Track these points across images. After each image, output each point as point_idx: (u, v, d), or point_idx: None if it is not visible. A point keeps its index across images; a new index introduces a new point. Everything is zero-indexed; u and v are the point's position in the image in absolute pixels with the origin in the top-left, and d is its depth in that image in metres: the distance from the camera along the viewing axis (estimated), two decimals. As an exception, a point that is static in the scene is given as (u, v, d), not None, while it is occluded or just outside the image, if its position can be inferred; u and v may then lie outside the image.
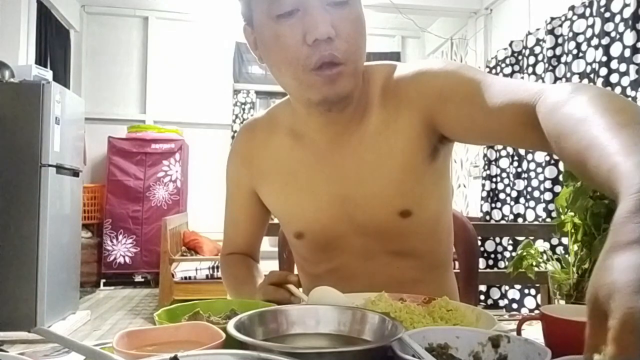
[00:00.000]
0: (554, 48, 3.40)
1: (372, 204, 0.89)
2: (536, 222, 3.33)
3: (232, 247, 1.09)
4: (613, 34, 2.85)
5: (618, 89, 2.81)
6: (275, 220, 1.12)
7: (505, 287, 3.84)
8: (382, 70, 0.91)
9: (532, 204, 3.55)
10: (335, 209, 0.92)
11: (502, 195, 3.99)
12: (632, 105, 0.51)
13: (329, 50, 0.76)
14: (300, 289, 0.80)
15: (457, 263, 1.30)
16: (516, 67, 3.95)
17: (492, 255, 4.04)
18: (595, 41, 2.98)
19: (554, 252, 0.72)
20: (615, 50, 2.83)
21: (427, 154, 0.88)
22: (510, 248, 3.86)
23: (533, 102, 0.65)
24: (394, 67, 0.91)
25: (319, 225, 0.93)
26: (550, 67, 3.40)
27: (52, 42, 4.62)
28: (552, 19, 3.42)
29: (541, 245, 0.75)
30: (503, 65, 4.01)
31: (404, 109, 0.86)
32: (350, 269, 0.94)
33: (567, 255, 0.71)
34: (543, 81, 3.47)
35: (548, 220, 3.36)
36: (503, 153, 3.97)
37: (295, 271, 1.14)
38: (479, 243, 1.21)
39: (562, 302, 0.69)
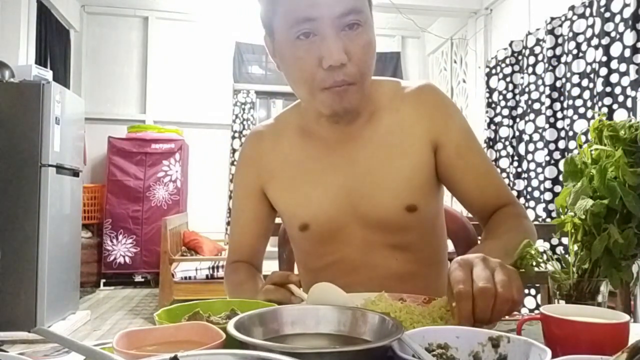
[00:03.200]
0: (554, 48, 3.40)
1: (379, 196, 0.94)
2: (536, 222, 3.33)
3: (237, 254, 1.10)
4: (613, 34, 2.85)
5: (618, 89, 2.81)
6: (276, 221, 1.13)
7: (505, 287, 3.83)
8: (389, 83, 1.02)
9: (532, 204, 3.56)
10: (341, 199, 0.96)
11: (502, 195, 3.98)
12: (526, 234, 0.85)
13: (341, 75, 0.84)
14: (301, 289, 0.80)
15: (457, 263, 1.30)
16: (516, 67, 3.94)
17: (492, 255, 4.04)
18: (595, 41, 2.98)
19: (554, 252, 0.72)
20: (615, 50, 2.83)
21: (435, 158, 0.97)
22: (510, 248, 3.85)
23: (494, 208, 0.98)
24: (399, 82, 1.03)
25: (324, 216, 0.97)
26: (550, 67, 3.40)
27: (52, 42, 4.62)
28: (552, 19, 3.42)
29: (541, 245, 0.75)
30: (503, 65, 4.01)
31: (424, 117, 0.96)
32: (351, 262, 0.98)
33: (567, 255, 0.71)
34: (543, 81, 3.48)
35: (548, 220, 3.36)
36: (503, 153, 3.97)
37: (296, 271, 1.15)
38: (479, 243, 1.21)
39: (562, 302, 0.69)
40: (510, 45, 3.95)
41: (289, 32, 0.84)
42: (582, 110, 3.12)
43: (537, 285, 3.23)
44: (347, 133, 0.97)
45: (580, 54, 3.14)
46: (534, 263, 0.69)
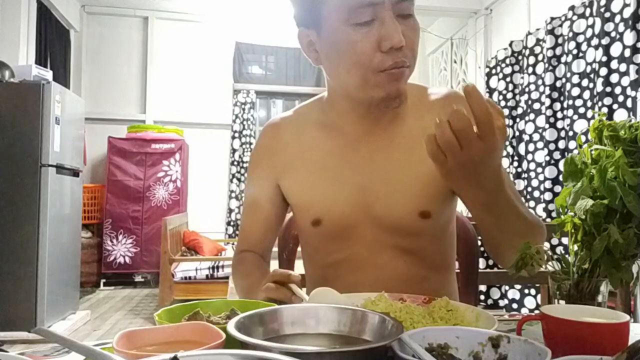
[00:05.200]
0: (554, 48, 3.40)
1: (394, 199, 0.95)
2: (536, 222, 3.32)
3: (246, 244, 1.10)
4: (613, 34, 2.85)
5: (618, 89, 2.81)
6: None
7: (505, 287, 3.84)
8: (415, 87, 1.02)
9: (532, 204, 3.55)
10: (356, 198, 0.96)
11: (502, 195, 3.98)
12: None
13: (400, 56, 0.86)
14: (304, 289, 0.80)
15: (457, 263, 1.30)
16: (516, 67, 3.95)
17: (492, 255, 4.03)
18: (595, 41, 2.98)
19: (554, 252, 0.72)
20: (615, 50, 2.83)
21: None
22: (510, 248, 3.85)
23: None
24: (425, 87, 1.04)
25: (337, 212, 0.97)
26: (550, 67, 3.40)
27: (52, 42, 4.62)
28: (552, 19, 3.42)
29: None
30: (503, 65, 4.01)
31: None
32: (359, 261, 0.98)
33: (567, 255, 0.71)
34: (543, 81, 3.48)
35: (548, 220, 3.36)
36: (503, 153, 3.97)
37: (296, 271, 1.15)
38: (479, 243, 1.22)
39: (562, 302, 0.69)
40: (510, 45, 3.95)
41: (347, 18, 0.85)
42: (582, 110, 3.12)
43: (537, 285, 3.23)
44: (369, 131, 0.97)
45: (580, 54, 3.14)
46: (534, 263, 0.69)
